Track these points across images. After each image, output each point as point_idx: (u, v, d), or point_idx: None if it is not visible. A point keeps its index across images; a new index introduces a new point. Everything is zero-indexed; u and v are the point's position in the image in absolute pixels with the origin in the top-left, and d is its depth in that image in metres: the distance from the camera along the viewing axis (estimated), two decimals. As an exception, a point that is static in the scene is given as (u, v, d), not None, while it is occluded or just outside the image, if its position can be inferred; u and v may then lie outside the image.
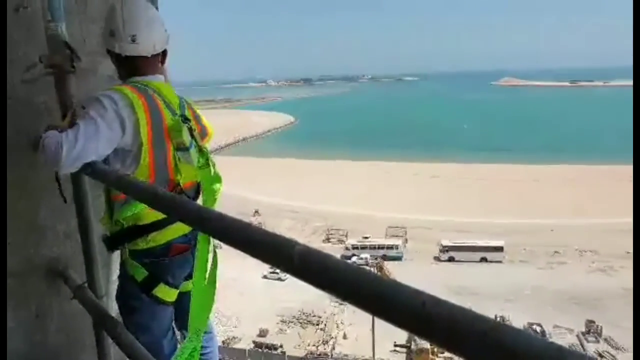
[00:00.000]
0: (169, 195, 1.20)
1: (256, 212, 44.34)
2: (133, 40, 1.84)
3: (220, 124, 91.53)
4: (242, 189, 45.99)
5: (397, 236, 38.90)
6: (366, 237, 38.06)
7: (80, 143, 1.64)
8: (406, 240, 38.60)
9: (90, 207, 2.02)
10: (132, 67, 1.90)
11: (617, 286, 28.99)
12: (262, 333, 27.07)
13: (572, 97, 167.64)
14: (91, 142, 1.67)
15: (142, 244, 1.86)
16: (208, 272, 1.57)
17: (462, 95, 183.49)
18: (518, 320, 25.17)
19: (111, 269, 2.51)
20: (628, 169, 43.17)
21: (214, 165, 1.94)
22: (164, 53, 1.99)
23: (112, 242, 1.92)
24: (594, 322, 26.30)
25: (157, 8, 2.22)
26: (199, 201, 1.98)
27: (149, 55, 1.89)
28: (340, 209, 45.13)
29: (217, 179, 1.92)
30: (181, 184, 1.89)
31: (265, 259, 0.86)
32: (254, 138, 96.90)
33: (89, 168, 1.70)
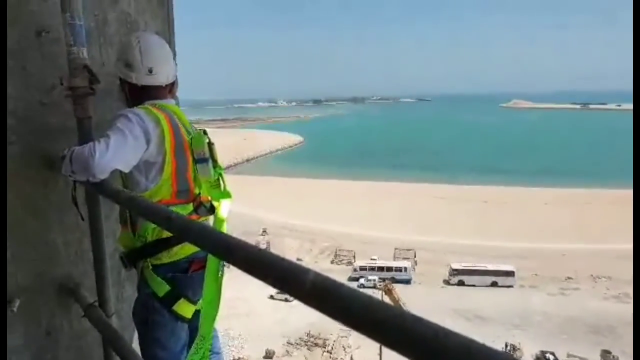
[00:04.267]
0: (183, 218, 1.22)
1: (264, 231, 44.27)
2: (150, 72, 2.00)
3: (230, 143, 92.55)
4: (251, 207, 46.04)
5: (405, 258, 38.50)
6: (374, 259, 37.67)
7: (112, 149, 1.75)
8: (415, 263, 38.16)
9: (103, 226, 2.05)
10: (147, 95, 2.03)
11: (632, 314, 28.25)
12: (269, 354, 26.70)
13: (584, 120, 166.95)
14: (120, 150, 1.77)
15: (165, 258, 1.92)
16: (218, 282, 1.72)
17: (472, 117, 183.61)
18: (530, 348, 24.57)
19: (121, 288, 2.52)
20: (641, 194, 42.66)
21: (224, 182, 2.04)
22: (172, 83, 2.14)
23: (135, 256, 1.96)
24: (610, 352, 25.46)
25: (174, 45, 2.34)
26: (210, 220, 2.05)
27: (163, 85, 2.04)
28: (347, 229, 44.89)
29: (227, 195, 2.00)
30: (201, 196, 2.00)
31: (277, 285, 0.86)
32: (262, 157, 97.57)
33: (103, 187, 1.74)
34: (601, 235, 40.78)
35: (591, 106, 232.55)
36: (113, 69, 2.40)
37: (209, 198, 2.02)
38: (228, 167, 75.15)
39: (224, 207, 1.95)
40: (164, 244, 1.89)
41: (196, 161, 1.96)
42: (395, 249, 39.96)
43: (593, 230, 41.98)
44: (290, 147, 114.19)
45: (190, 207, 1.97)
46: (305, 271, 0.80)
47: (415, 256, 39.03)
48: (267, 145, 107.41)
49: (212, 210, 2.00)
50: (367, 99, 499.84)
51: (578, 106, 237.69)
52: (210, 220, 2.02)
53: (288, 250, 41.56)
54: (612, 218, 44.69)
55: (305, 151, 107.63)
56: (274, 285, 0.87)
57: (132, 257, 1.96)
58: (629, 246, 36.20)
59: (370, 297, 0.68)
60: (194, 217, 1.97)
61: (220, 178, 2.02)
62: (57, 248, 2.27)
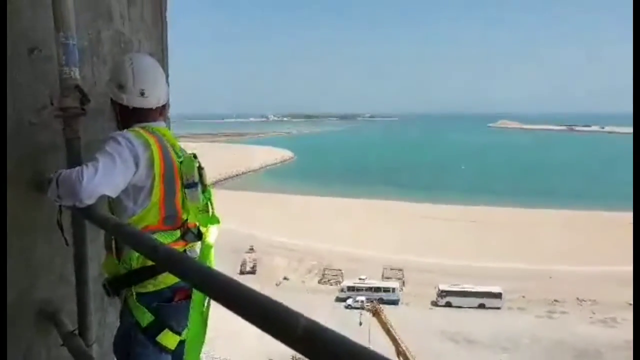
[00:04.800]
0: (169, 250, 1.19)
1: (251, 248, 43.86)
2: (142, 94, 1.98)
3: (220, 158, 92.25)
4: (238, 223, 45.66)
5: (394, 278, 38.33)
6: (362, 279, 37.36)
7: (100, 174, 1.71)
8: (403, 283, 37.98)
9: (88, 250, 2.00)
10: (138, 118, 2.01)
11: (620, 338, 28.29)
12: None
13: (570, 141, 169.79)
14: (109, 175, 1.74)
15: (150, 286, 1.87)
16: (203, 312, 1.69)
17: (461, 136, 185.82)
18: (517, 370, 24.45)
19: (104, 313, 2.45)
20: (626, 216, 43.24)
21: (212, 207, 2.01)
22: (164, 106, 2.12)
23: (119, 284, 1.90)
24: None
25: (167, 66, 2.33)
26: (198, 246, 2.01)
27: (154, 108, 2.02)
28: (335, 248, 44.66)
29: (216, 220, 1.96)
30: (188, 222, 1.95)
31: (266, 329, 0.83)
32: (252, 172, 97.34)
33: (90, 213, 1.71)
34: (587, 257, 41.13)
35: (576, 128, 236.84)
36: (105, 89, 2.38)
37: (197, 223, 1.99)
38: (217, 182, 74.79)
39: (211, 233, 1.92)
40: (149, 272, 1.84)
41: (185, 186, 1.92)
42: (384, 268, 39.81)
43: (579, 252, 42.31)
44: (280, 162, 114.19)
45: (178, 233, 1.93)
46: (296, 316, 0.77)
47: (403, 276, 38.91)
48: (257, 160, 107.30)
49: (199, 236, 1.96)
50: (359, 116, 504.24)
51: (564, 128, 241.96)
52: (198, 246, 1.99)
53: (275, 268, 41.19)
54: (599, 240, 45.20)
55: (295, 167, 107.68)
56: (262, 328, 0.83)
57: (116, 285, 1.90)
58: (615, 268, 36.54)
59: (362, 347, 0.67)
60: (181, 243, 1.93)
61: (208, 203, 1.99)
62: (40, 271, 2.20)
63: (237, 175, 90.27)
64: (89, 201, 1.70)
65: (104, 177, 1.71)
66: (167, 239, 1.86)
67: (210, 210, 1.99)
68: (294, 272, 40.60)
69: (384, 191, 70.35)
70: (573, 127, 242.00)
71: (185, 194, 1.93)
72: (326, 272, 40.27)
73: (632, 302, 29.78)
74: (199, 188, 1.94)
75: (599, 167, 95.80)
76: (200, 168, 1.98)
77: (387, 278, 38.49)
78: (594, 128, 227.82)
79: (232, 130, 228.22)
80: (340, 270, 40.05)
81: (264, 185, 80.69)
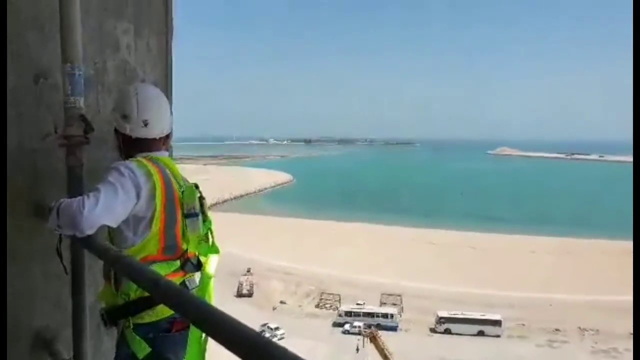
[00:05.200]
0: (170, 285, 1.19)
1: (248, 271, 43.42)
2: (145, 125, 2.00)
3: (220, 180, 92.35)
4: (236, 246, 45.34)
5: (392, 304, 37.85)
6: (360, 304, 36.89)
7: (101, 205, 1.70)
8: (402, 309, 37.48)
9: (86, 279, 2.00)
10: (141, 147, 2.02)
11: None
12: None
13: (569, 169, 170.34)
14: (110, 205, 1.73)
15: (148, 317, 1.85)
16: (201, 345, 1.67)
17: (461, 163, 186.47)
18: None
19: (99, 341, 2.42)
20: (625, 245, 43.00)
21: (213, 236, 2.00)
22: (167, 135, 2.13)
23: (116, 315, 1.88)
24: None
25: (172, 95, 2.37)
26: (197, 276, 2.00)
27: (157, 138, 2.03)
28: (333, 272, 44.23)
29: (216, 250, 1.96)
30: (188, 252, 1.94)
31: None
32: (251, 195, 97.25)
33: (89, 242, 1.71)
34: (588, 286, 40.71)
35: (575, 156, 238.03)
36: (109, 117, 2.41)
37: (197, 253, 1.99)
38: (216, 205, 74.58)
39: (211, 263, 1.92)
40: (147, 303, 1.82)
41: (186, 216, 1.92)
42: (382, 294, 39.35)
43: (580, 281, 41.93)
44: (279, 185, 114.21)
45: (177, 263, 1.92)
46: (295, 358, 0.77)
47: (401, 302, 38.42)
48: (257, 183, 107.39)
49: (199, 266, 1.96)
50: (357, 140, 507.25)
51: (563, 155, 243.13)
52: (197, 275, 1.98)
53: (272, 292, 40.70)
54: (599, 269, 44.84)
55: (294, 190, 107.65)
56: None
57: (113, 315, 1.88)
58: (617, 298, 36.13)
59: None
60: (181, 274, 1.92)
61: (209, 232, 1.99)
62: (37, 297, 2.19)
63: (235, 197, 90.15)
64: (90, 231, 1.70)
65: (106, 208, 1.71)
66: (166, 269, 1.86)
67: (211, 239, 1.98)
68: (291, 296, 40.09)
69: (383, 216, 70.12)
70: (572, 154, 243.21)
71: (186, 224, 1.92)
72: (323, 297, 39.77)
73: (631, 332, 29.31)
74: (200, 218, 1.94)
75: (598, 195, 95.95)
76: (201, 198, 1.98)
77: (385, 303, 38.00)
78: (593, 156, 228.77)
79: (233, 152, 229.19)
80: (338, 294, 39.57)
81: (263, 207, 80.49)
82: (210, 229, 2.01)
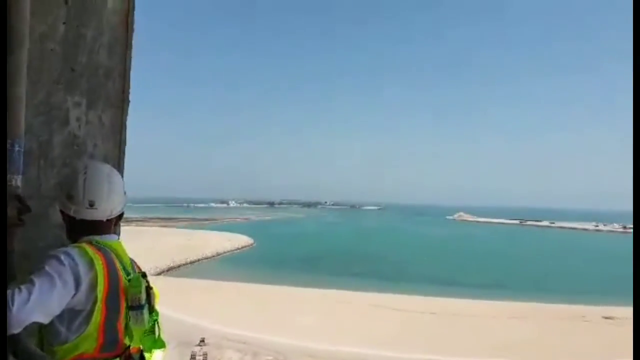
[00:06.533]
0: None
1: (202, 341, 40.92)
2: (91, 206, 1.87)
3: (174, 243, 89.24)
4: (190, 314, 43.02)
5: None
6: (320, 376, 35.17)
7: (34, 300, 1.52)
8: (366, 382, 35.93)
9: None
10: (86, 230, 1.89)
11: None
12: None
13: (523, 235, 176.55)
14: (44, 300, 1.55)
15: None
16: None
17: (421, 228, 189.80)
18: None
19: None
20: (576, 308, 44.00)
21: (160, 329, 1.86)
22: (119, 216, 1.98)
23: None
24: None
25: (124, 170, 2.28)
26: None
27: (104, 220, 1.89)
28: (292, 341, 42.39)
29: (161, 344, 1.80)
30: (131, 348, 1.78)
31: None
32: (208, 259, 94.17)
33: (15, 344, 1.53)
34: (552, 353, 40.83)
35: (528, 222, 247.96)
36: (51, 192, 2.27)
37: (140, 347, 1.82)
38: (169, 270, 71.53)
39: (156, 359, 1.76)
40: None
41: (130, 307, 1.77)
42: (343, 364, 37.74)
43: (543, 347, 42.02)
44: (239, 249, 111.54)
45: None
46: None
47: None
48: (215, 246, 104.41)
49: None
50: (321, 203, 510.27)
51: (517, 222, 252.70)
52: None
53: (228, 364, 38.29)
54: (549, 332, 45.30)
55: (255, 254, 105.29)
56: None
57: None
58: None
59: None
60: None
61: (155, 325, 1.84)
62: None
63: (191, 262, 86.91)
64: (17, 330, 1.51)
65: (38, 304, 1.53)
66: None
67: (157, 332, 1.83)
68: (247, 368, 37.77)
69: (344, 281, 69.23)
70: (525, 221, 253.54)
71: (129, 317, 1.77)
72: (282, 369, 37.67)
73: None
74: (146, 310, 1.79)
75: (552, 260, 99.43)
76: (148, 287, 1.84)
77: (347, 375, 36.36)
78: (545, 223, 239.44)
79: (191, 215, 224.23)
80: (297, 367, 37.61)
81: (220, 272, 77.73)
82: (157, 321, 1.86)
